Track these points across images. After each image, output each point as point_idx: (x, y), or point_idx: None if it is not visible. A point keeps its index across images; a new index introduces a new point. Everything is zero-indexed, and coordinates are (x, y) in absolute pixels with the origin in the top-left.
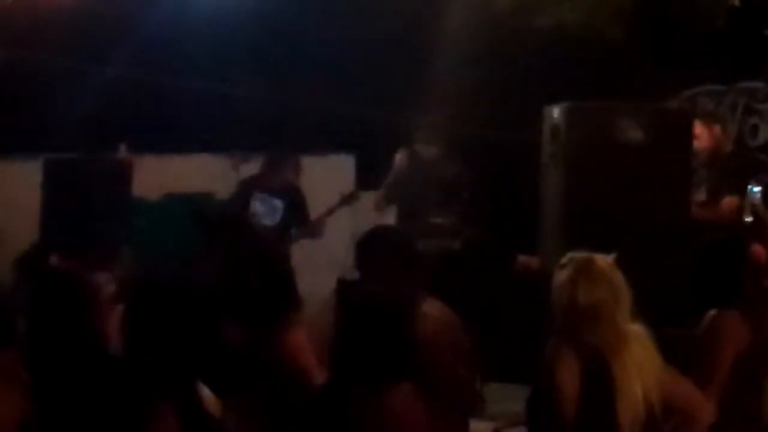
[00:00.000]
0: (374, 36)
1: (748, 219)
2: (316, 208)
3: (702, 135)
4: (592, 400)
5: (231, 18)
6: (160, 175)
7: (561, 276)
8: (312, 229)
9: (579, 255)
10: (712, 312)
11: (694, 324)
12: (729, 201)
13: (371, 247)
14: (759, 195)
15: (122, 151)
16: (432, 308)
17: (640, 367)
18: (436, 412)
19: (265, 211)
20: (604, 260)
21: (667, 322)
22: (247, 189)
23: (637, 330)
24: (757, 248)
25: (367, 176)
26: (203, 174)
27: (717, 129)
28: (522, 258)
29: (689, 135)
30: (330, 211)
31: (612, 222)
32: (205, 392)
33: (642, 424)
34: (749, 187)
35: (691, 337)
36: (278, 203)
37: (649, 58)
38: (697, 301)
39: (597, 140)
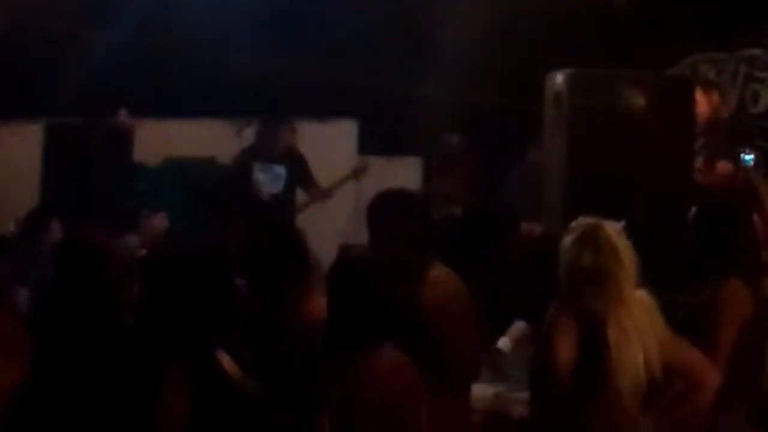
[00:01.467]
0: (377, 4)
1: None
2: (320, 173)
3: (700, 101)
4: (590, 365)
5: None
6: (161, 140)
7: (567, 240)
8: (320, 195)
9: (587, 220)
10: (715, 279)
11: (697, 291)
12: (722, 166)
13: (382, 209)
14: (752, 163)
15: (123, 116)
16: (440, 274)
17: (642, 333)
18: (440, 377)
19: (269, 179)
20: (612, 226)
21: (672, 288)
22: (247, 159)
23: (641, 297)
24: (755, 218)
25: (370, 142)
26: (205, 138)
27: (715, 95)
28: (525, 225)
29: (691, 102)
30: (340, 183)
31: (614, 188)
32: (225, 358)
33: (643, 390)
34: (741, 155)
35: (695, 305)
36: (280, 170)
37: (651, 26)
38: (696, 267)
39: (599, 107)
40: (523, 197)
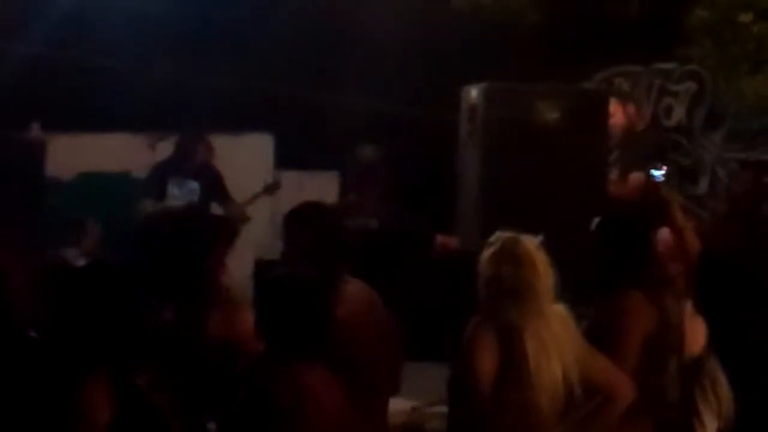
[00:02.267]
0: (292, 15)
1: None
2: (235, 187)
3: (615, 112)
4: (509, 380)
5: None
6: (75, 155)
7: (486, 254)
8: (235, 210)
9: (506, 234)
10: (617, 291)
11: (600, 303)
12: (634, 178)
13: (297, 223)
14: (661, 178)
15: (35, 130)
16: (354, 288)
17: (560, 346)
18: (356, 393)
19: (182, 194)
20: (530, 240)
21: (588, 301)
22: (161, 174)
23: (558, 310)
24: (665, 232)
25: (286, 155)
26: (119, 153)
27: (630, 107)
28: (440, 237)
29: (605, 115)
30: (252, 199)
31: (529, 202)
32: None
33: (561, 402)
34: (651, 171)
35: (597, 317)
36: (194, 185)
37: (566, 40)
38: (600, 279)
39: (514, 120)
40: None
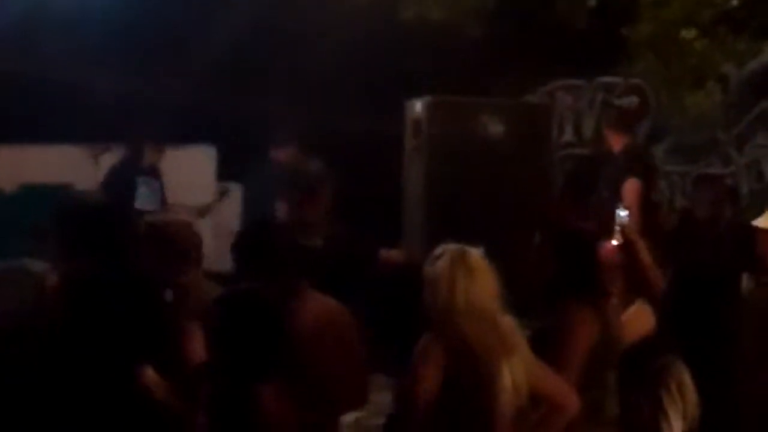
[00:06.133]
0: (236, 28)
1: (617, 242)
2: (180, 200)
3: (616, 144)
4: (459, 390)
5: (89, 8)
6: (17, 166)
7: (437, 270)
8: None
9: (453, 247)
10: (564, 305)
11: (545, 316)
12: (630, 183)
13: (251, 240)
14: (626, 217)
15: None
16: (316, 303)
17: (510, 357)
18: (318, 406)
19: (148, 194)
20: (478, 253)
21: (529, 314)
22: (125, 172)
23: (507, 321)
24: (608, 246)
25: (228, 168)
26: (61, 165)
27: (626, 137)
28: (384, 252)
29: (548, 128)
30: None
31: (473, 214)
32: (150, 374)
33: (511, 414)
34: (616, 211)
35: (541, 329)
36: (158, 185)
37: (509, 55)
38: (548, 292)
39: (458, 134)
40: None
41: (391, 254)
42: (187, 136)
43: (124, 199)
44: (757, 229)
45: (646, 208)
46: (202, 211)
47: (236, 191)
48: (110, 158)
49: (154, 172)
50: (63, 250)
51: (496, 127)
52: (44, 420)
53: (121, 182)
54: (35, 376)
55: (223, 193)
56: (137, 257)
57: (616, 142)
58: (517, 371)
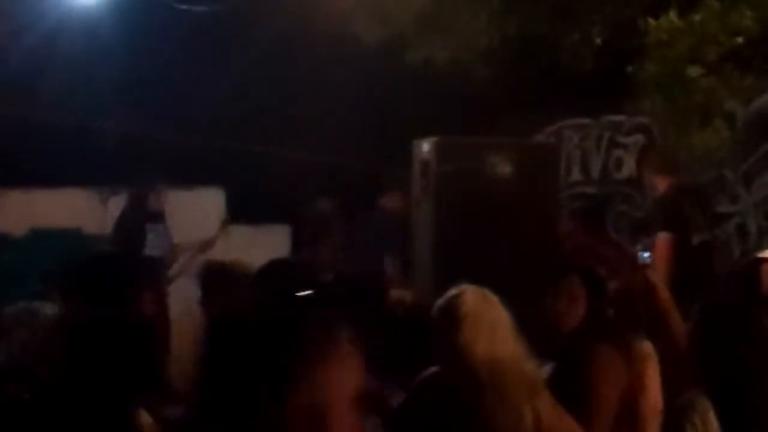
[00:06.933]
0: (242, 71)
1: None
2: (189, 241)
3: (659, 185)
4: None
5: (98, 51)
6: (27, 211)
7: (463, 309)
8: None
9: (472, 288)
10: (588, 347)
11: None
12: (661, 239)
13: (272, 278)
14: (648, 260)
15: None
16: None
17: (535, 402)
18: None
19: (158, 242)
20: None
21: (539, 355)
22: (136, 219)
23: (531, 364)
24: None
25: (238, 210)
26: (70, 208)
27: (670, 179)
28: (394, 292)
29: (557, 167)
30: (187, 252)
31: (483, 254)
32: (144, 416)
33: None
34: (639, 253)
35: (563, 370)
36: (163, 229)
37: (516, 95)
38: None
39: (466, 175)
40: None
41: (401, 294)
42: (195, 178)
43: (134, 246)
44: (763, 260)
45: (680, 253)
46: (204, 246)
47: (244, 232)
48: (118, 201)
49: (159, 217)
50: (66, 294)
51: (504, 167)
52: None
53: (130, 230)
54: (32, 416)
55: (209, 241)
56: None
57: (660, 184)
58: (540, 414)
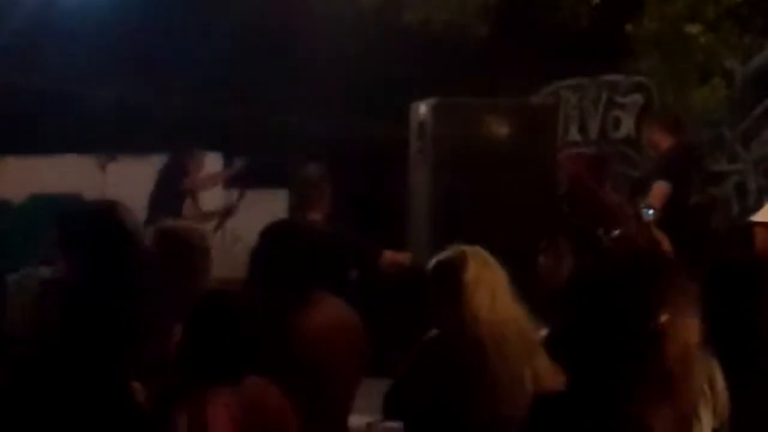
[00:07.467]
0: (238, 35)
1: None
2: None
3: (662, 141)
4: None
5: (94, 18)
6: (26, 177)
7: (466, 275)
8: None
9: (470, 249)
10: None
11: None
12: (658, 187)
13: (274, 240)
14: (652, 217)
15: None
16: (325, 307)
17: (534, 362)
18: (319, 410)
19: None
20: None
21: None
22: (167, 190)
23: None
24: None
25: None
26: (69, 174)
27: (672, 138)
28: (389, 253)
29: (554, 128)
30: (209, 216)
31: (479, 215)
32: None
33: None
34: (643, 209)
35: (558, 334)
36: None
37: (513, 55)
38: (565, 294)
39: (463, 136)
40: None
41: (397, 255)
42: (193, 144)
43: (172, 210)
44: (756, 223)
45: (677, 211)
46: (227, 212)
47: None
48: (116, 167)
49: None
50: (62, 255)
51: (501, 128)
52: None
53: (169, 196)
54: (26, 379)
55: (231, 206)
56: (144, 263)
57: (663, 142)
58: (539, 374)
